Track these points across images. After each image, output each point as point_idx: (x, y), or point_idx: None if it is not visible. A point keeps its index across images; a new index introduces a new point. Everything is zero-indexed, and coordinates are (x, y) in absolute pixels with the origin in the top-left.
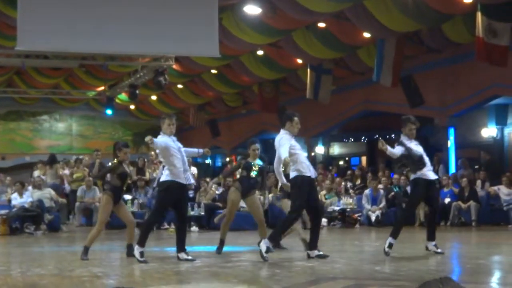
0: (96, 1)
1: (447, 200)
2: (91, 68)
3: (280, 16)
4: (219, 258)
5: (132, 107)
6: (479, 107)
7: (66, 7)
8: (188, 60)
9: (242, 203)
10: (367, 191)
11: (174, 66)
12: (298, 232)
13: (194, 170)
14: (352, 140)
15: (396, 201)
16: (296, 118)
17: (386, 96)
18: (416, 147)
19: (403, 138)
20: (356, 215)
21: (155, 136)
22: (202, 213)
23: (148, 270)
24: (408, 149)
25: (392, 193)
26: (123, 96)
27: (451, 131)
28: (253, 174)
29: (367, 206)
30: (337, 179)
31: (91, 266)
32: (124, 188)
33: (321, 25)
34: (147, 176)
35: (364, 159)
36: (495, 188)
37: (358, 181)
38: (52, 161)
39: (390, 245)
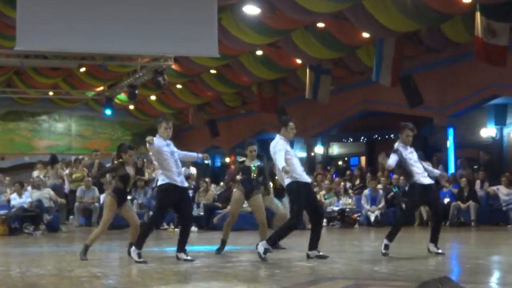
0: (95, 1)
1: (446, 200)
2: (90, 68)
3: (279, 16)
4: (218, 258)
5: (131, 107)
6: (478, 107)
7: (65, 7)
8: (187, 60)
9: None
10: (366, 191)
11: (173, 66)
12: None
13: (193, 170)
14: (351, 140)
15: (395, 201)
16: (291, 124)
17: (385, 96)
18: (411, 155)
19: (399, 145)
20: (355, 215)
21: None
22: (202, 213)
23: (148, 270)
24: (402, 160)
25: (391, 193)
26: (122, 96)
27: (450, 131)
28: (253, 175)
29: (366, 206)
30: (336, 179)
31: (90, 266)
32: (128, 190)
33: (320, 25)
34: (146, 176)
35: (363, 159)
36: (494, 188)
37: (357, 181)
38: (53, 161)
39: (386, 247)
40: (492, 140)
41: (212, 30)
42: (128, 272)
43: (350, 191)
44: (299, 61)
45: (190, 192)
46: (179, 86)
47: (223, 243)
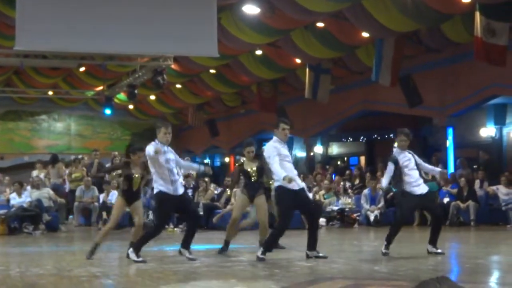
0: (95, 1)
1: (446, 199)
2: (90, 68)
3: (279, 15)
4: (218, 257)
5: (130, 107)
6: (478, 107)
7: (65, 7)
8: (187, 60)
9: None
10: (365, 191)
11: (172, 66)
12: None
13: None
14: (351, 139)
15: (394, 201)
16: (281, 125)
17: (385, 95)
18: (408, 162)
19: (396, 152)
20: (355, 215)
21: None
22: (201, 213)
23: (147, 270)
24: (398, 168)
25: (391, 193)
26: (121, 96)
27: (450, 131)
28: (254, 179)
29: (366, 206)
30: (336, 179)
31: (89, 266)
32: (134, 190)
33: (320, 24)
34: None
35: (362, 158)
36: (494, 187)
37: (357, 181)
38: (54, 160)
39: (387, 247)
40: (491, 140)
41: (211, 30)
42: (128, 271)
43: (349, 190)
44: (298, 60)
45: (190, 192)
46: (178, 85)
47: (227, 243)
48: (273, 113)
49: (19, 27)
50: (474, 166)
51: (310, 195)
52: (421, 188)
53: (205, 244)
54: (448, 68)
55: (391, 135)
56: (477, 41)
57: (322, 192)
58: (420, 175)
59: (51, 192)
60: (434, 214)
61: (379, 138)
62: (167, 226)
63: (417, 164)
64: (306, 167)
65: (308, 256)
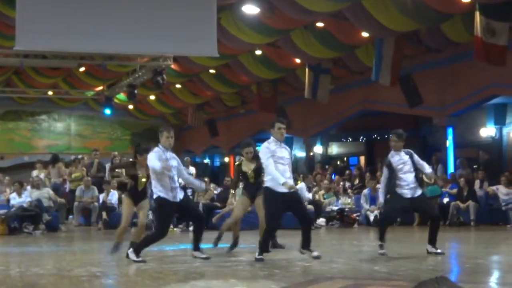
0: (95, 1)
1: (445, 200)
2: (90, 68)
3: (279, 15)
4: (217, 257)
5: (130, 107)
6: (477, 107)
7: (65, 6)
8: (187, 60)
9: None
10: (365, 191)
11: (172, 66)
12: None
13: (192, 170)
14: (351, 139)
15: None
16: (277, 124)
17: (384, 95)
18: (401, 166)
19: (390, 155)
20: (355, 215)
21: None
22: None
23: (147, 270)
24: (393, 171)
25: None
26: (121, 96)
27: (450, 131)
28: (252, 180)
29: (366, 206)
30: (336, 178)
31: (89, 265)
32: (140, 189)
33: (320, 24)
34: None
35: (362, 158)
36: (494, 187)
37: (357, 181)
38: (54, 160)
39: (381, 247)
40: (491, 139)
41: (211, 30)
42: (128, 271)
43: (349, 190)
44: (298, 60)
45: (189, 192)
46: (178, 85)
47: (235, 241)
48: (273, 113)
49: (19, 27)
50: (474, 166)
51: (310, 195)
52: (412, 192)
53: (205, 244)
54: (448, 68)
55: (391, 135)
56: (477, 41)
57: (322, 192)
58: (417, 178)
59: (51, 192)
60: (429, 215)
61: (379, 138)
62: None
63: (415, 166)
64: (305, 167)
65: (301, 252)
